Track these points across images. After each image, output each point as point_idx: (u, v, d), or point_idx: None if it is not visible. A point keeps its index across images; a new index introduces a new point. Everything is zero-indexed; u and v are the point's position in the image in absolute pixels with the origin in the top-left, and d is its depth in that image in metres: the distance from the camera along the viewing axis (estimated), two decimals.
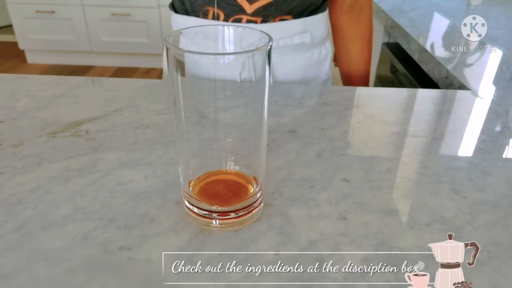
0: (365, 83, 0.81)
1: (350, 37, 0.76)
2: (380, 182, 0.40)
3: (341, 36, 0.76)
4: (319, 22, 0.69)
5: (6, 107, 0.53)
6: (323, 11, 0.70)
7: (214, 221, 0.33)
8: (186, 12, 0.67)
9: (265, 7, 0.62)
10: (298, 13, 0.65)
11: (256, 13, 0.62)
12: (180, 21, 0.68)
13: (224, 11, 0.63)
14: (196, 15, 0.66)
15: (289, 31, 0.66)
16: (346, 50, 0.77)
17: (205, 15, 0.65)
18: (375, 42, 1.15)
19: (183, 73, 0.29)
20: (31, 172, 0.40)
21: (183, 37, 0.33)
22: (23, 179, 0.39)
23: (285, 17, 0.64)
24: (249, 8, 0.62)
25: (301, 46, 0.68)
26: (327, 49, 0.74)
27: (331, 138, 0.47)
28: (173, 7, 0.70)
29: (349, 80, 0.80)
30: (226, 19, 0.64)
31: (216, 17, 0.64)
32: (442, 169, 0.42)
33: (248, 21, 0.63)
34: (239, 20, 0.63)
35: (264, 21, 0.63)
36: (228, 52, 0.34)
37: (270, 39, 0.29)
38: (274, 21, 0.64)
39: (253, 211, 0.34)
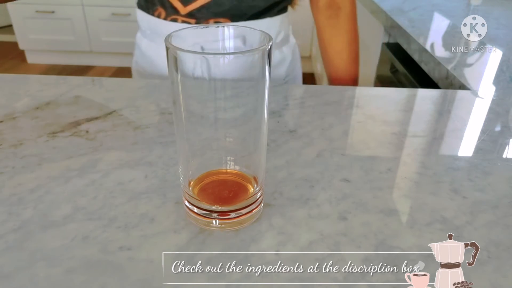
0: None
1: (327, 38, 0.73)
2: (380, 182, 0.40)
3: (320, 37, 0.74)
4: (265, 26, 0.68)
5: (6, 107, 0.53)
6: (272, 15, 0.69)
7: (214, 221, 0.33)
8: (143, 9, 0.70)
9: (198, 9, 0.64)
10: (237, 16, 0.65)
11: (189, 15, 0.64)
12: (139, 17, 0.72)
13: (165, 11, 0.65)
14: (147, 12, 0.69)
15: (221, 35, 0.66)
16: (325, 52, 0.74)
17: (153, 13, 0.68)
18: (375, 42, 1.15)
19: (183, 73, 0.29)
20: (31, 172, 0.40)
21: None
22: (23, 179, 0.39)
23: (220, 19, 0.65)
24: (183, 10, 0.64)
25: (237, 49, 0.68)
26: (284, 54, 0.73)
27: (331, 138, 0.47)
28: (137, 4, 0.73)
29: (331, 84, 0.77)
30: (165, 18, 0.66)
31: (159, 16, 0.67)
32: (442, 169, 0.42)
33: (183, 22, 0.65)
34: (175, 20, 0.65)
35: (197, 22, 0.65)
36: (228, 52, 0.34)
37: (270, 38, 0.29)
38: (208, 23, 0.65)
39: (253, 211, 0.34)
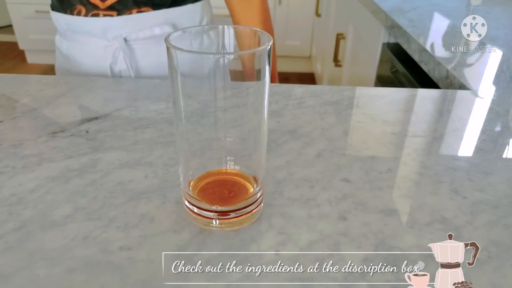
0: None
1: (243, 22, 0.72)
2: (380, 182, 0.40)
3: (235, 22, 0.73)
4: (188, 12, 0.69)
5: (6, 107, 0.53)
6: (193, 1, 0.69)
7: (214, 221, 0.33)
8: (58, 9, 0.69)
9: (118, 2, 0.64)
10: (158, 5, 0.66)
11: (109, 8, 0.65)
12: (54, 17, 0.71)
13: (85, 7, 0.66)
14: (64, 12, 0.68)
15: (147, 23, 0.67)
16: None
17: (71, 12, 0.67)
18: (375, 42, 1.15)
19: (183, 73, 0.29)
20: (31, 172, 0.40)
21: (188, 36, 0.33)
22: (23, 179, 0.39)
23: (143, 9, 0.66)
24: (102, 5, 0.65)
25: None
26: (211, 38, 0.72)
27: (331, 138, 0.47)
28: (51, 6, 0.73)
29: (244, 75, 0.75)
30: (86, 14, 0.66)
31: (79, 13, 0.67)
32: (442, 169, 0.42)
33: (105, 15, 0.65)
34: (97, 15, 0.66)
35: (119, 14, 0.65)
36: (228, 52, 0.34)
37: (270, 38, 0.29)
38: (131, 14, 0.66)
39: (253, 211, 0.34)
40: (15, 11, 2.49)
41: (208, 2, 0.76)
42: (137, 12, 0.66)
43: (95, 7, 0.65)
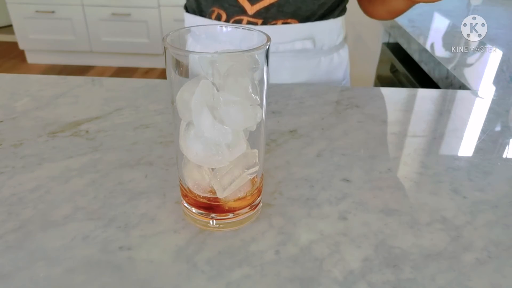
0: None
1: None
2: (380, 182, 0.40)
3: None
4: (328, 28, 0.66)
5: (6, 107, 0.53)
6: (335, 16, 0.67)
7: (211, 221, 0.33)
8: (195, 12, 0.67)
9: (267, 8, 0.61)
10: (305, 18, 0.63)
11: (257, 14, 0.61)
12: (190, 20, 0.69)
13: (226, 12, 0.62)
14: (204, 15, 0.66)
15: (290, 36, 0.64)
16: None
17: (210, 15, 0.64)
18: (375, 42, 1.15)
19: (181, 73, 0.29)
20: (31, 172, 0.40)
21: (190, 37, 0.33)
22: (23, 179, 0.39)
23: (289, 20, 0.63)
24: (251, 9, 0.61)
25: (304, 52, 0.66)
26: (341, 57, 0.71)
27: (331, 138, 0.47)
28: (185, 7, 0.71)
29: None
30: (227, 20, 0.63)
31: (218, 18, 0.64)
32: (442, 169, 0.42)
33: (249, 23, 0.62)
34: (239, 21, 0.63)
35: (265, 23, 0.62)
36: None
37: (269, 39, 0.29)
38: (276, 24, 0.63)
39: (252, 211, 0.34)
40: (15, 11, 2.49)
41: (345, 19, 0.72)
42: (283, 23, 0.62)
43: (243, 11, 0.61)
